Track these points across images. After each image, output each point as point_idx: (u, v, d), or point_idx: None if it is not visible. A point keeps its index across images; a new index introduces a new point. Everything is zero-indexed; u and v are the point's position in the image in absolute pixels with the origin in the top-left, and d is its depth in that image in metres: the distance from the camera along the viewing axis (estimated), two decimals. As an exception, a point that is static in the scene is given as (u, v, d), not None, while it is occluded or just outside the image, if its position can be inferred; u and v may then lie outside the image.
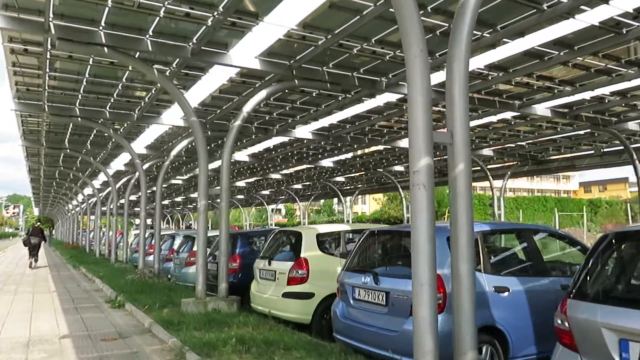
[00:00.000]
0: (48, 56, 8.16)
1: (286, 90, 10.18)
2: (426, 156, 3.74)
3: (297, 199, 35.12)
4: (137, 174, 18.45)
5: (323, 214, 69.03)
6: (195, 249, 11.47)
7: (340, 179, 27.30)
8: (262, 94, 8.66)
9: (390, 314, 4.95)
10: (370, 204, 73.25)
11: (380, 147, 17.94)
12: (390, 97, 10.85)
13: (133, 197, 31.29)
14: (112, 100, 11.17)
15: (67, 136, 15.38)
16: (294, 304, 7.32)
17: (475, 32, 7.32)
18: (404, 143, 16.16)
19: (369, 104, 11.54)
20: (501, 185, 19.77)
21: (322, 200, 71.18)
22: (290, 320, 7.33)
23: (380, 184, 28.34)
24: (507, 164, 20.29)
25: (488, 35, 7.34)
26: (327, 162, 20.81)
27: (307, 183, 29.81)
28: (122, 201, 24.23)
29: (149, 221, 33.33)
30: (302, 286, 7.34)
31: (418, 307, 3.59)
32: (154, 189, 23.25)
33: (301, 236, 7.84)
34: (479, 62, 8.65)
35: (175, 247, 14.51)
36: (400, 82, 9.51)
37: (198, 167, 8.42)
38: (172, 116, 12.53)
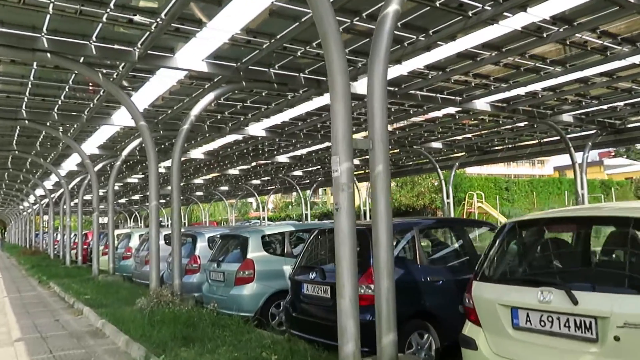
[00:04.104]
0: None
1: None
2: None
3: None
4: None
5: (299, 206, 68.44)
6: (250, 256, 8.07)
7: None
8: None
9: None
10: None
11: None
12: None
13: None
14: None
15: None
16: None
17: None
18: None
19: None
20: (582, 160, 15.49)
21: (294, 193, 70.23)
22: None
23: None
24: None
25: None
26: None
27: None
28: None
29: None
30: None
31: None
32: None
33: None
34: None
35: (198, 252, 10.20)
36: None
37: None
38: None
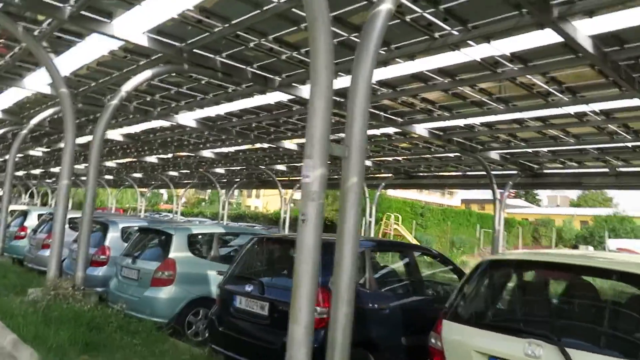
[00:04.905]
0: None
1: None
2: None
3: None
4: None
5: (215, 204, 65.93)
6: (173, 255, 7.13)
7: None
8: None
9: None
10: (264, 199, 71.64)
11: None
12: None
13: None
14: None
15: None
16: None
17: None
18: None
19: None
20: (502, 196, 15.85)
21: (208, 190, 67.77)
22: None
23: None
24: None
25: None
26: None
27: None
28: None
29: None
30: None
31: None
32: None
33: None
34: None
35: (108, 242, 9.03)
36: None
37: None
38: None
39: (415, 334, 4.82)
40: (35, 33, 8.04)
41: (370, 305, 4.98)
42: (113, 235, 9.31)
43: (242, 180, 28.77)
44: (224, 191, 31.47)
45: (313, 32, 3.77)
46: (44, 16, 7.56)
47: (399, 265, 6.26)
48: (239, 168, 25.23)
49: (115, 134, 17.49)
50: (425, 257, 6.65)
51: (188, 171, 28.42)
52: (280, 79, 9.28)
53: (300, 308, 3.61)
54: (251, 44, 7.77)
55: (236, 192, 75.51)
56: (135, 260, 7.66)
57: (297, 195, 33.92)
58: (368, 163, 18.80)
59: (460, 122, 11.57)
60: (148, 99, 11.99)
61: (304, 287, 3.62)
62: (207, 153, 20.07)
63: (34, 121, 12.58)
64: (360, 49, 4.17)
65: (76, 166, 26.63)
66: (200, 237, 7.90)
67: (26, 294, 7.19)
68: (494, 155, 14.72)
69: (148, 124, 15.55)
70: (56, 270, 7.69)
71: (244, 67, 8.79)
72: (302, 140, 16.30)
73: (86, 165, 12.47)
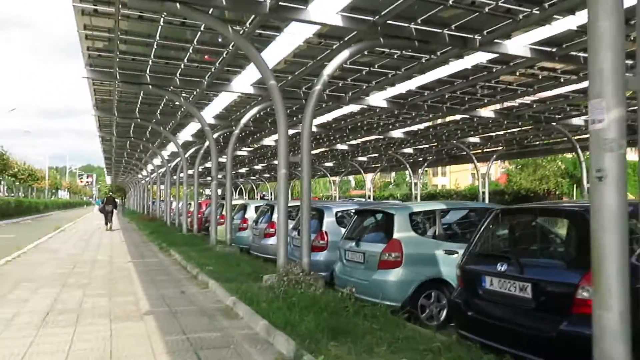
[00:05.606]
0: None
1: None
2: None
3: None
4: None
5: (401, 187, 66.34)
6: (397, 236, 6.80)
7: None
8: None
9: None
10: (451, 176, 70.05)
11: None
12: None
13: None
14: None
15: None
16: None
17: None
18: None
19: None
20: None
21: (393, 173, 68.15)
22: None
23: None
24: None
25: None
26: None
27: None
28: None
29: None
30: None
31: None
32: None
33: None
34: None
35: (325, 227, 9.13)
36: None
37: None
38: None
39: None
40: (240, 33, 8.48)
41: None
42: (329, 221, 9.43)
43: (431, 158, 27.99)
44: (410, 172, 31.09)
45: None
46: (245, 16, 7.93)
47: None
48: (427, 146, 24.51)
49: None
50: None
51: (376, 155, 28.67)
52: (480, 37, 8.36)
53: (609, 289, 2.78)
54: (450, 1, 7.06)
55: (421, 171, 74.61)
56: (359, 243, 7.46)
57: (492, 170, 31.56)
58: (580, 122, 16.40)
59: None
60: (340, 84, 12.07)
61: (611, 262, 2.79)
62: (396, 133, 19.84)
63: (244, 120, 13.66)
64: None
65: (273, 162, 28.81)
66: (421, 215, 7.41)
67: (261, 280, 7.46)
68: None
69: (339, 111, 15.83)
70: (284, 257, 7.70)
71: (440, 30, 8.11)
72: (500, 106, 14.93)
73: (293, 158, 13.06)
